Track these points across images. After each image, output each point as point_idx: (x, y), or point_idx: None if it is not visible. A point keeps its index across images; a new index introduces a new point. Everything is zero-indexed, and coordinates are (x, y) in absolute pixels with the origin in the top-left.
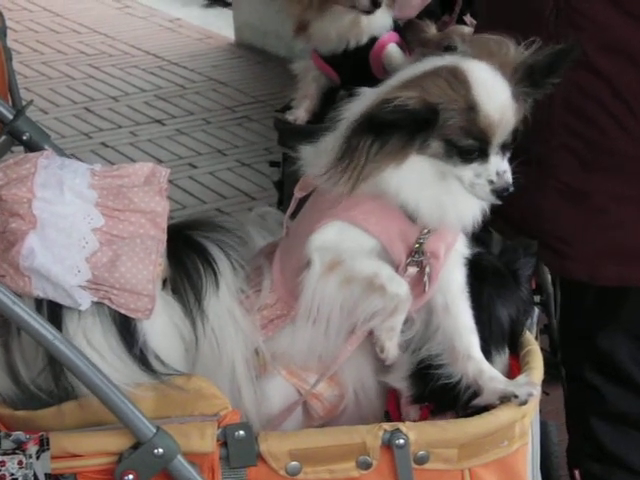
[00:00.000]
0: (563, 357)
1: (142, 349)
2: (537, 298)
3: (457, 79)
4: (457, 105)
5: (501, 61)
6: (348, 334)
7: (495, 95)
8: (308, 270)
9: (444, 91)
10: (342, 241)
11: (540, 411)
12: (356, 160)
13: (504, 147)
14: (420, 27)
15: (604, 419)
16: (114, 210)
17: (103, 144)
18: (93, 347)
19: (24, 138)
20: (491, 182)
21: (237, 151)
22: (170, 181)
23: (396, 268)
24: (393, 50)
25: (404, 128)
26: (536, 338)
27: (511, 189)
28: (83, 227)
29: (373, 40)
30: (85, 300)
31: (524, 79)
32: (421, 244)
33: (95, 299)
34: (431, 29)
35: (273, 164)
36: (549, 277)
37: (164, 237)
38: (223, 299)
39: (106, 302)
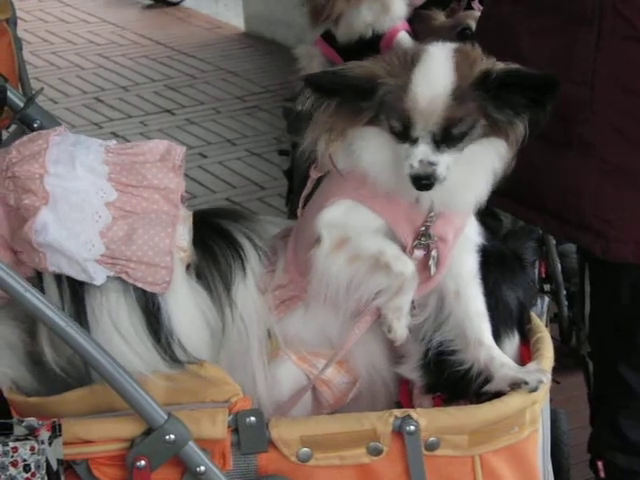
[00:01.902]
0: (593, 350)
1: (168, 336)
2: (547, 287)
3: (410, 61)
4: (394, 83)
5: (469, 60)
6: (358, 317)
7: (430, 83)
8: (317, 247)
9: (392, 68)
10: (349, 219)
11: (550, 400)
12: (318, 118)
13: (444, 140)
14: (429, 16)
15: (633, 414)
16: (127, 185)
17: (113, 134)
18: (119, 332)
19: (35, 126)
20: (411, 167)
21: (247, 140)
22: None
23: (403, 250)
24: (404, 38)
25: (344, 94)
26: (546, 326)
27: (434, 183)
28: (96, 201)
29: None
30: (100, 275)
31: (479, 84)
32: (427, 227)
33: (111, 273)
34: (440, 17)
35: (282, 153)
36: (559, 266)
37: (178, 213)
38: (250, 287)
39: (123, 276)
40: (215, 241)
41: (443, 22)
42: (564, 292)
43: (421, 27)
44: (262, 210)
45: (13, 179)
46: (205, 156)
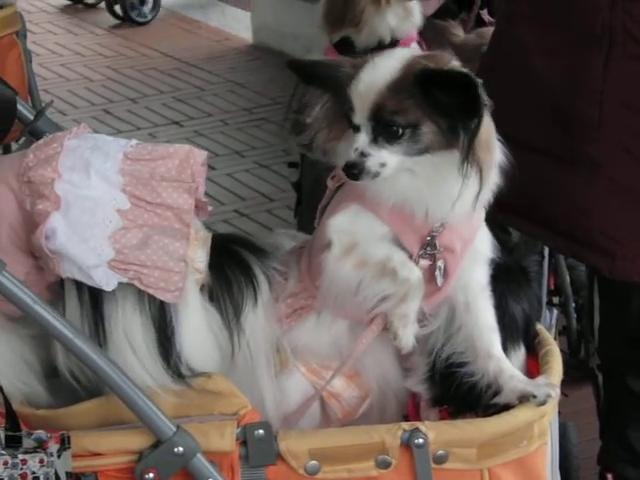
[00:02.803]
0: (602, 362)
1: (177, 354)
2: (556, 299)
3: (373, 57)
4: (352, 71)
5: (426, 62)
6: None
7: (373, 71)
8: (327, 251)
9: (356, 62)
10: (357, 225)
11: (559, 412)
12: (318, 114)
13: (382, 133)
14: (446, 29)
15: None
16: (140, 199)
17: None
18: (131, 345)
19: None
20: (349, 155)
21: (255, 152)
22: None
23: (409, 258)
24: (417, 49)
25: (319, 80)
26: (555, 339)
27: (361, 174)
28: (108, 207)
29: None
30: (111, 280)
31: (416, 82)
32: (433, 237)
33: (124, 280)
34: (459, 31)
35: (292, 165)
36: (568, 278)
37: (189, 232)
38: (259, 316)
39: (136, 282)
40: (230, 267)
41: (466, 39)
42: (573, 305)
43: (436, 38)
44: (270, 222)
45: (29, 184)
46: (213, 168)
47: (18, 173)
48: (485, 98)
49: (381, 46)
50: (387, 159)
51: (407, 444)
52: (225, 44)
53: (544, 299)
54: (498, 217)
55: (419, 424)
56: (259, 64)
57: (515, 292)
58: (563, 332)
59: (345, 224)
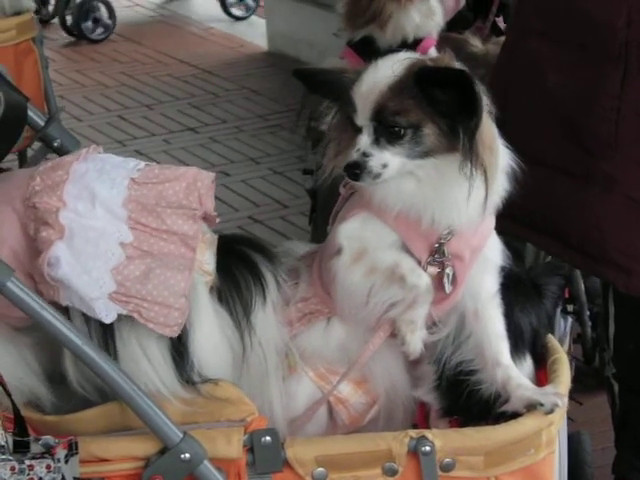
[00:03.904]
0: (618, 372)
1: (191, 362)
2: (570, 307)
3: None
4: (355, 76)
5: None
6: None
7: (375, 72)
8: (338, 257)
9: (364, 67)
10: (366, 231)
11: (574, 420)
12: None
13: (384, 134)
14: (464, 41)
15: None
16: (146, 226)
17: (137, 152)
18: (147, 355)
19: (55, 145)
20: (351, 156)
21: (270, 159)
22: None
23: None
24: (435, 53)
25: (325, 88)
26: (569, 347)
27: (361, 173)
28: (112, 240)
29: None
30: (111, 312)
31: (415, 81)
32: (442, 244)
33: (124, 312)
34: (477, 41)
35: (307, 172)
36: (582, 286)
37: (194, 257)
38: (269, 315)
39: (135, 315)
40: (237, 267)
41: (486, 49)
42: (587, 313)
43: (454, 52)
44: (285, 228)
45: (34, 209)
46: (228, 174)
47: (24, 197)
48: (484, 97)
49: (404, 45)
50: (389, 160)
51: (414, 452)
52: (240, 51)
53: (558, 307)
54: (511, 230)
55: (426, 432)
56: (274, 71)
57: (522, 304)
58: (578, 340)
59: (355, 231)
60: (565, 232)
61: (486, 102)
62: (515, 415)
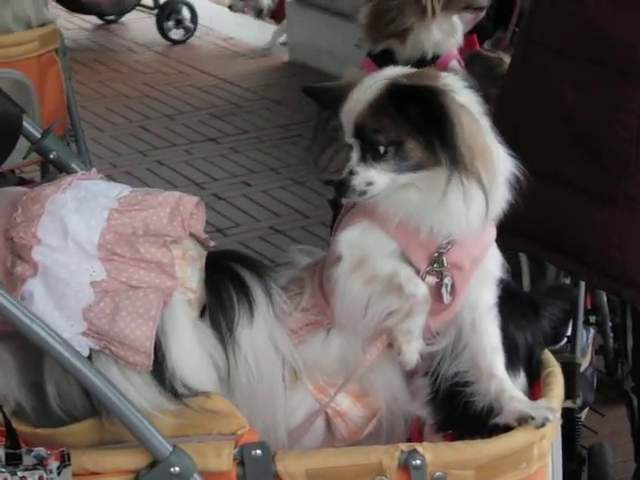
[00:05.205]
0: (637, 385)
1: (170, 378)
2: (593, 318)
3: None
4: (347, 90)
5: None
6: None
7: (359, 90)
8: (338, 265)
9: (358, 79)
10: (366, 240)
11: (596, 432)
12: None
13: (369, 152)
14: (499, 60)
15: None
16: (122, 256)
17: (158, 162)
18: (124, 375)
19: (51, 157)
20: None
21: (290, 169)
22: (224, 199)
23: (417, 274)
24: (456, 66)
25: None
26: (592, 359)
27: (346, 191)
28: (83, 279)
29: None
30: (84, 347)
31: (390, 99)
32: (441, 254)
33: (96, 347)
34: (505, 57)
35: (328, 182)
36: (605, 298)
37: (171, 283)
38: (258, 330)
39: (106, 352)
40: (223, 282)
41: None
42: (610, 324)
43: (486, 72)
44: (306, 239)
45: (11, 242)
46: (249, 184)
47: (5, 227)
48: (456, 107)
49: (422, 60)
50: (375, 177)
51: (405, 465)
52: (261, 61)
53: (581, 318)
54: (526, 248)
55: (417, 445)
56: (295, 81)
57: (518, 320)
58: (600, 351)
59: (355, 239)
60: (582, 250)
61: (478, 109)
62: (507, 428)
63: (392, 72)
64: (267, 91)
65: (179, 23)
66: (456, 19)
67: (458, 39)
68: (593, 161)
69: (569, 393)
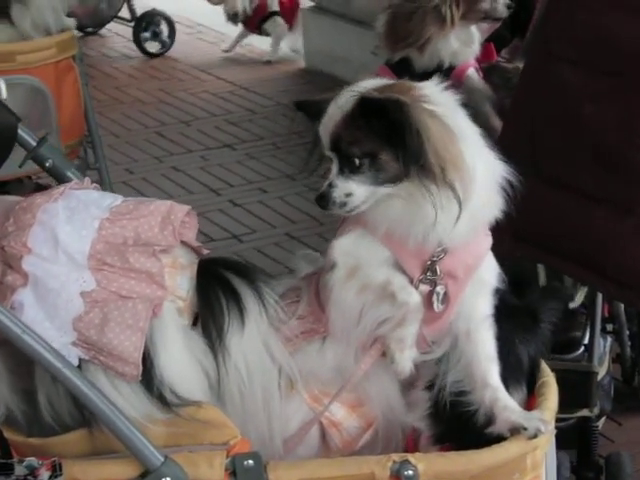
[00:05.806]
0: None
1: (159, 386)
2: (610, 327)
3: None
4: (324, 106)
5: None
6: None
7: (335, 104)
8: (332, 273)
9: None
10: (360, 248)
11: (613, 441)
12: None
13: (347, 165)
14: (515, 70)
15: None
16: (112, 266)
17: (174, 168)
18: (113, 384)
19: (47, 165)
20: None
21: (306, 176)
22: (240, 205)
23: (410, 283)
24: (473, 74)
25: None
26: (609, 367)
27: (326, 204)
28: (73, 289)
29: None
30: (73, 357)
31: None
32: (434, 262)
33: (86, 357)
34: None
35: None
36: (622, 306)
37: (161, 293)
38: (250, 337)
39: (95, 362)
40: (214, 290)
41: None
42: (627, 332)
43: (505, 82)
44: (321, 245)
45: (2, 251)
46: (265, 191)
47: None
48: (423, 118)
49: (439, 69)
50: (354, 189)
51: (397, 475)
52: (277, 67)
53: (598, 327)
54: (540, 258)
55: (409, 456)
56: (311, 87)
57: (522, 334)
58: (617, 360)
59: (349, 246)
60: (600, 261)
61: (459, 119)
62: (501, 439)
63: (366, 85)
64: (283, 97)
65: (156, 36)
66: (474, 29)
67: (475, 49)
68: (612, 172)
69: (586, 402)
